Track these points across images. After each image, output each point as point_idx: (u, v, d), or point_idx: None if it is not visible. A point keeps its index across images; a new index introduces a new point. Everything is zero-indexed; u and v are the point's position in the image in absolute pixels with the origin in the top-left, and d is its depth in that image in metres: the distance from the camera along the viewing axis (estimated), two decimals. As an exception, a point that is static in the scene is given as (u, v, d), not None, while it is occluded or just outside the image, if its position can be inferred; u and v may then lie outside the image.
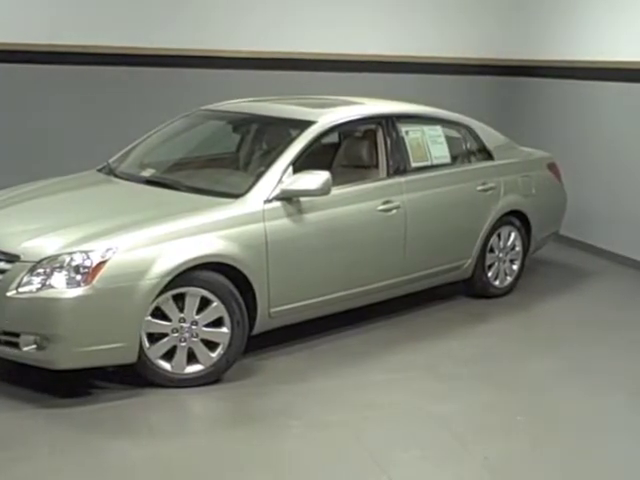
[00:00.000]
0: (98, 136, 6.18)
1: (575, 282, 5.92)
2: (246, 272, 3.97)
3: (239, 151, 5.09)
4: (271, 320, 4.19)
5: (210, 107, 5.15)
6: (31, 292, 3.57)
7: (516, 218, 5.47)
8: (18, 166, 5.91)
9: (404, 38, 7.03)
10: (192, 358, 3.88)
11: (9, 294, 3.59)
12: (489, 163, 5.41)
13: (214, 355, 3.91)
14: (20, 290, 3.59)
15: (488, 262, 5.34)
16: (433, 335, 4.73)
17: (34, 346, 3.59)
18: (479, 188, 5.22)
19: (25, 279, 3.59)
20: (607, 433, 3.70)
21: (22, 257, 3.66)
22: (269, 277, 4.07)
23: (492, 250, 5.36)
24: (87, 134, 6.23)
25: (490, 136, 5.52)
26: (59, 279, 3.57)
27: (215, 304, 3.88)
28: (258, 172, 4.32)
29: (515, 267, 5.54)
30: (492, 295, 5.42)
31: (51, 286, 3.56)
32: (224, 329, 3.92)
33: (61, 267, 3.59)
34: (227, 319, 3.91)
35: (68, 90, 6.19)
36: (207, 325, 3.89)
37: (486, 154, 5.44)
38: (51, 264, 3.61)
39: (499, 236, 5.39)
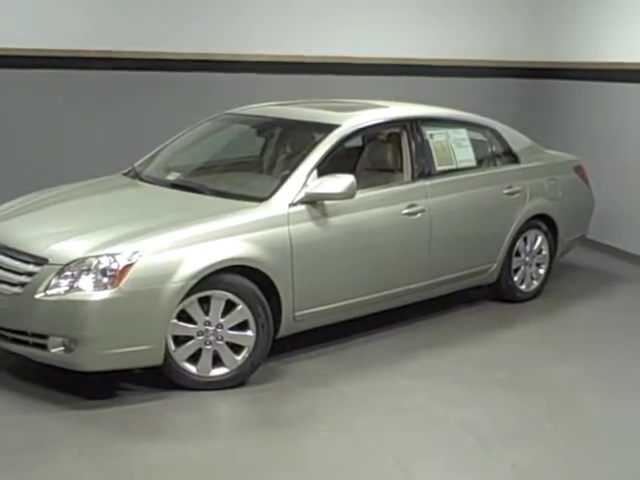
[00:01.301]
0: (123, 140, 6.22)
1: (602, 287, 5.85)
2: (271, 275, 3.98)
3: (263, 155, 5.11)
4: (296, 323, 4.19)
5: (234, 111, 5.18)
6: (59, 294, 3.61)
7: (542, 222, 5.42)
8: (42, 171, 5.95)
9: (427, 41, 6.99)
10: (217, 361, 3.89)
11: (37, 296, 3.63)
12: (515, 166, 5.37)
13: (239, 358, 3.92)
14: (48, 292, 3.62)
15: (514, 266, 5.30)
16: (458, 340, 4.70)
17: (62, 348, 3.63)
18: (505, 191, 5.18)
19: (53, 282, 3.63)
20: (634, 439, 3.64)
21: (50, 260, 3.70)
22: (294, 280, 4.07)
23: (518, 254, 5.32)
24: (112, 138, 6.28)
25: (516, 139, 5.48)
26: (86, 282, 3.61)
27: (240, 307, 3.89)
28: (283, 175, 4.33)
29: (542, 271, 5.49)
30: (518, 299, 5.37)
31: (79, 289, 3.60)
32: (249, 332, 3.93)
33: (88, 270, 3.63)
34: (252, 322, 3.92)
35: (92, 94, 6.23)
36: (232, 328, 3.90)
37: (512, 157, 5.39)
38: (79, 267, 3.64)
39: (525, 240, 5.34)
